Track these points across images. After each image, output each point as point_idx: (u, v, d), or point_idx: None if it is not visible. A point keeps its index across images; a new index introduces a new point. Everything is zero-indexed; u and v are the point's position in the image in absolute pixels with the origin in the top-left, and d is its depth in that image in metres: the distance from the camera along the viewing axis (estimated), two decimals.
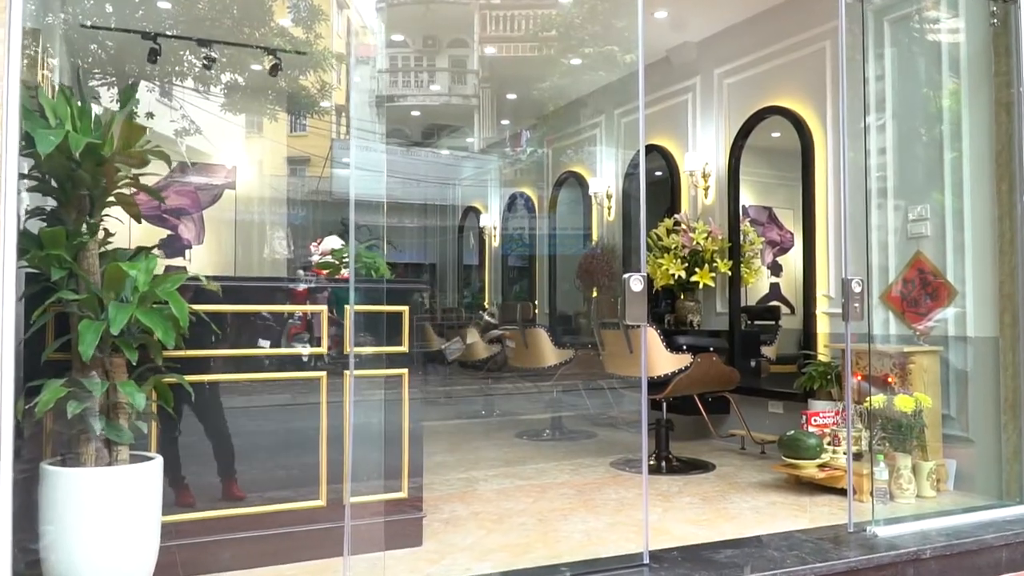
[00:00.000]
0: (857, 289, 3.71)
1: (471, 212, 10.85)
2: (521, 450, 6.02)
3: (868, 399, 4.46)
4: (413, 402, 3.55)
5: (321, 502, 3.35)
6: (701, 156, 6.51)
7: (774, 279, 6.41)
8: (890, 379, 4.69)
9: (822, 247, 5.47)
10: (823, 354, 5.29)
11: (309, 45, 11.15)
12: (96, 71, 9.61)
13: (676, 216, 6.36)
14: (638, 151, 7.26)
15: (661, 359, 5.02)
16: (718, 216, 6.40)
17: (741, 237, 6.26)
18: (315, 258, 4.22)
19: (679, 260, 6.14)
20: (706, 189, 6.50)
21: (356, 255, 3.87)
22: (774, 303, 6.35)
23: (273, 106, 8.35)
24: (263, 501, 3.31)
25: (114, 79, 9.41)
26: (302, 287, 3.87)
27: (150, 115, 9.31)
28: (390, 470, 3.50)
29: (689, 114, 6.72)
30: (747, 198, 6.50)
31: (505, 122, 9.32)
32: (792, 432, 4.55)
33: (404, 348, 3.51)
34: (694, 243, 6.10)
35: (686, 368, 5.06)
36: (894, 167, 5.01)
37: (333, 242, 4.27)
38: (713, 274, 6.13)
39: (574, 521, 3.96)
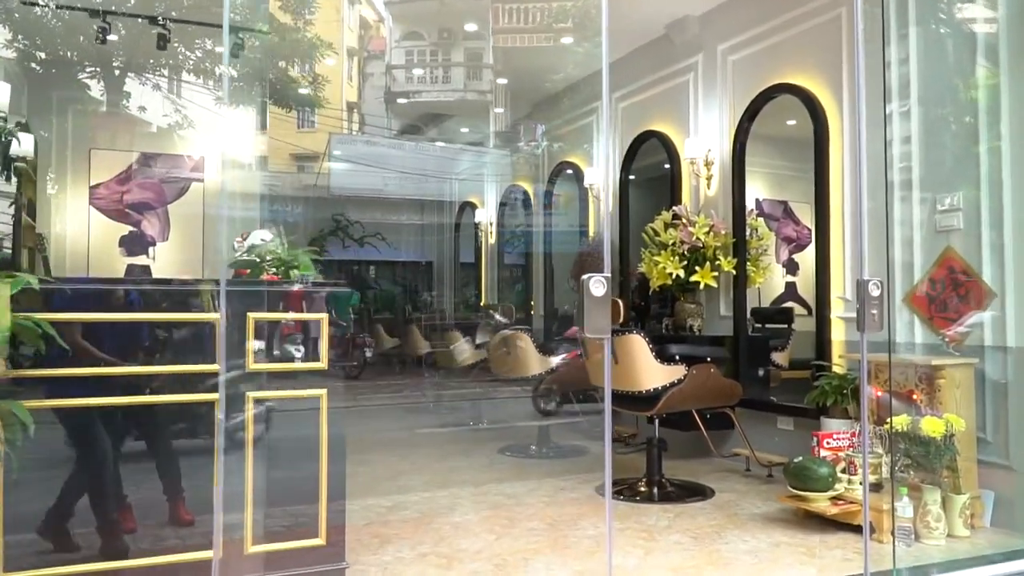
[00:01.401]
0: (875, 292, 3.06)
1: (467, 208, 10.24)
2: (500, 469, 5.40)
3: (889, 420, 3.80)
4: (335, 428, 2.95)
5: (217, 553, 2.75)
6: (703, 142, 5.85)
7: (790, 278, 5.75)
8: (915, 396, 4.02)
9: (837, 244, 4.80)
10: (838, 365, 4.63)
11: (296, 31, 10.62)
12: (86, 63, 9.12)
13: (675, 208, 5.71)
14: (630, 142, 6.63)
15: (650, 371, 4.38)
16: (722, 208, 5.74)
17: (748, 232, 5.60)
18: (240, 254, 3.62)
19: (677, 258, 5.49)
20: (709, 179, 5.85)
21: (270, 251, 3.26)
22: (788, 304, 5.69)
23: (243, 90, 7.78)
24: (145, 551, 2.72)
25: (98, 70, 8.92)
26: (297, 287, 3.32)
27: (142, 108, 8.83)
28: (306, 513, 2.89)
29: (690, 96, 6.06)
30: (761, 191, 5.87)
31: (499, 110, 8.70)
32: (800, 459, 3.90)
33: (320, 364, 2.90)
34: (694, 238, 5.45)
35: (679, 381, 4.42)
36: (919, 156, 4.36)
37: (261, 236, 3.66)
38: (716, 273, 5.48)
39: (536, 568, 3.34)
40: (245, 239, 3.68)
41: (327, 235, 11.25)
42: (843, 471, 4.07)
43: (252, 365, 2.75)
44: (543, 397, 6.41)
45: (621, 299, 6.74)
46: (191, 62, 7.49)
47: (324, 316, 2.92)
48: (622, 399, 4.63)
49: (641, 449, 4.79)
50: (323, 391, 2.89)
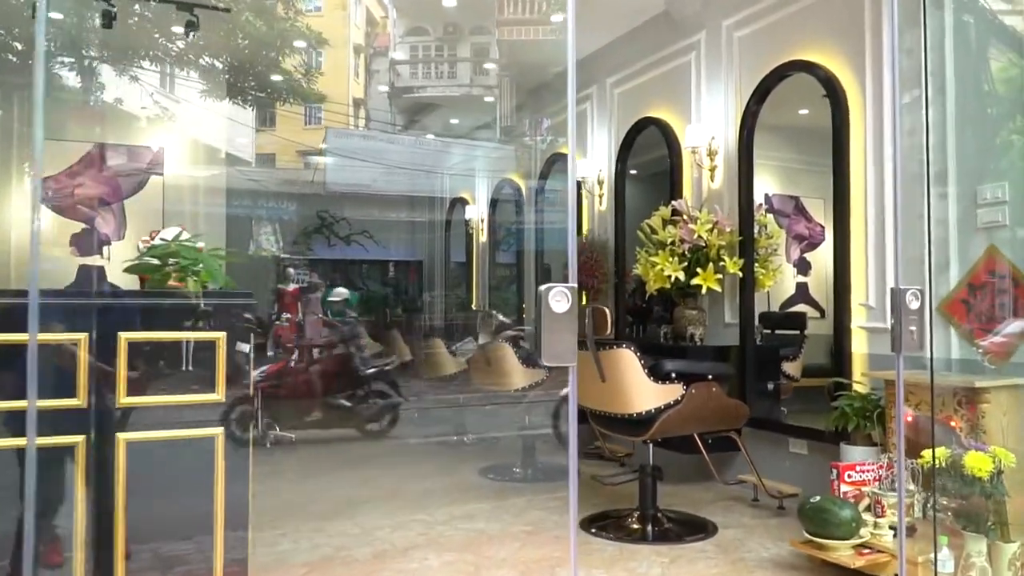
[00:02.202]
0: (913, 304, 2.45)
1: (459, 204, 9.64)
2: (476, 496, 4.80)
3: (924, 455, 3.19)
4: (236, 485, 2.35)
5: None
6: (706, 129, 5.24)
7: (802, 278, 5.15)
8: (954, 423, 3.41)
9: (859, 245, 4.19)
10: (860, 383, 4.01)
11: (286, 20, 10.05)
12: (63, 54, 8.57)
13: (674, 203, 5.10)
14: (634, 125, 6.01)
15: (642, 391, 3.78)
16: (727, 203, 5.13)
17: (756, 230, 4.99)
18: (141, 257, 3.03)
19: (677, 258, 4.88)
20: (712, 170, 5.23)
21: (172, 253, 2.67)
22: (800, 308, 5.09)
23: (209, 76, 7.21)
24: None
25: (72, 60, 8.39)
26: (292, 287, 2.71)
27: (119, 101, 8.28)
28: None
29: (692, 78, 5.44)
30: (770, 186, 5.26)
31: (489, 99, 8.09)
32: (818, 499, 3.29)
33: (217, 396, 2.31)
34: (695, 237, 4.83)
35: (676, 402, 3.81)
36: (954, 144, 3.74)
37: (170, 232, 3.07)
38: (720, 276, 4.86)
39: None
40: (153, 238, 3.09)
41: (311, 233, 10.68)
42: (867, 509, 3.46)
43: (123, 399, 2.16)
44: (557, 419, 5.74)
45: (616, 305, 6.14)
46: (150, 44, 6.91)
47: (221, 336, 2.32)
48: (610, 422, 4.03)
49: (633, 477, 4.19)
50: (217, 431, 2.29)
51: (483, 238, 9.02)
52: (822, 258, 4.93)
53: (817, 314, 4.98)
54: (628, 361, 3.76)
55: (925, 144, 3.56)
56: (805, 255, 5.18)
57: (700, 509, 4.47)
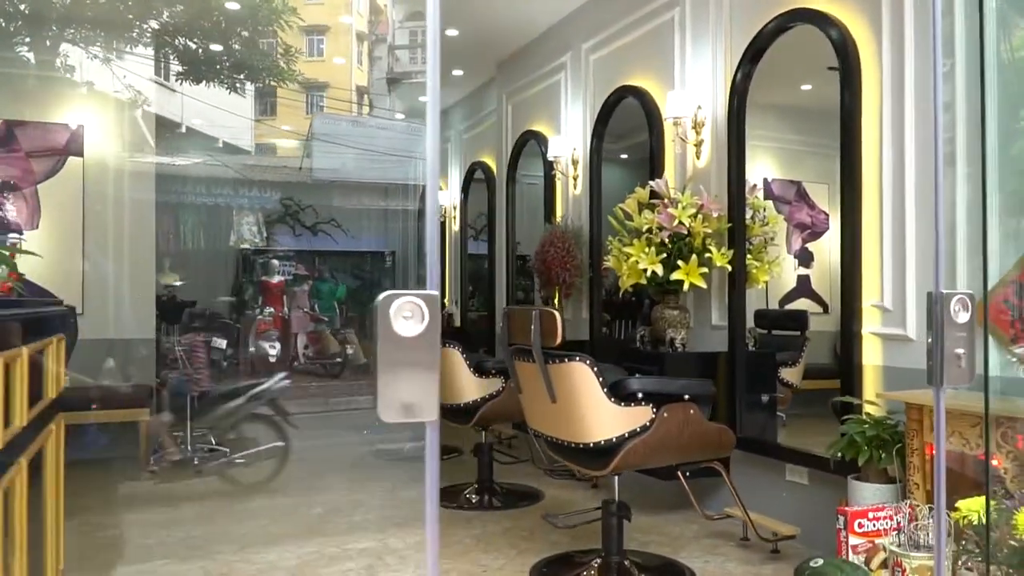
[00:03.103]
0: (962, 317, 1.68)
1: None
2: (410, 529, 4.04)
3: (960, 507, 2.43)
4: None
5: None
6: (691, 97, 4.46)
7: (803, 270, 4.40)
8: (996, 461, 2.64)
9: (872, 237, 3.41)
10: (874, 404, 3.24)
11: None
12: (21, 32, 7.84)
13: (652, 184, 4.32)
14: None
15: (600, 415, 3.01)
16: (714, 184, 4.36)
17: (749, 215, 4.22)
18: None
19: (654, 249, 4.11)
20: (698, 146, 4.46)
21: None
22: (802, 303, 4.36)
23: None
24: None
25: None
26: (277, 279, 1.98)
27: (90, 83, 7.54)
28: None
29: (676, 39, 4.66)
30: (770, 170, 4.51)
31: (457, 72, 7.31)
32: (820, 564, 2.54)
33: None
34: (676, 223, 4.06)
35: (643, 429, 3.05)
36: (995, 119, 2.98)
37: None
38: (705, 270, 4.10)
39: None
40: None
41: (275, 222, 9.92)
42: (882, 565, 2.71)
43: None
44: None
45: (591, 302, 5.37)
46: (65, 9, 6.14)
47: (22, 352, 1.57)
48: (564, 451, 3.27)
49: (596, 515, 3.43)
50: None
51: (455, 227, 8.25)
52: (826, 248, 4.21)
53: (820, 309, 4.26)
54: (582, 378, 2.99)
55: (981, 119, 2.80)
56: (807, 245, 4.44)
57: (678, 550, 3.71)
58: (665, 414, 3.07)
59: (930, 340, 1.71)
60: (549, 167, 5.92)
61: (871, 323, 3.39)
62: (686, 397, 3.11)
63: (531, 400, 3.34)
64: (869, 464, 3.05)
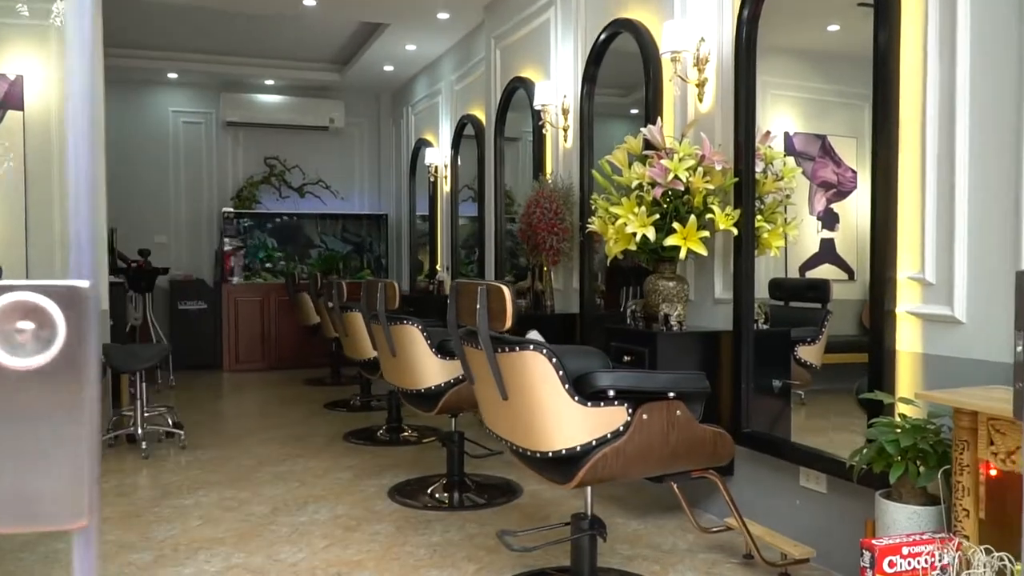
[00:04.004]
0: None
1: (423, 146, 8.20)
2: (351, 543, 3.45)
3: None
4: None
5: None
6: (693, 28, 3.76)
7: (827, 233, 3.75)
8: None
9: (912, 197, 2.73)
10: (911, 403, 2.58)
11: None
12: None
13: (645, 131, 3.64)
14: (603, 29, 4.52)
15: (561, 417, 2.38)
16: (719, 132, 3.68)
17: (761, 169, 3.55)
18: None
19: (645, 209, 3.44)
20: (701, 86, 3.77)
21: None
22: (823, 271, 3.72)
23: None
24: None
25: None
26: None
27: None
28: None
29: None
30: (792, 123, 3.85)
31: (443, 15, 6.60)
32: None
33: None
34: (671, 178, 3.38)
35: (616, 435, 2.42)
36: None
37: None
38: (706, 233, 3.43)
39: None
40: None
41: (259, 183, 9.29)
42: None
43: None
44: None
45: (582, 270, 4.73)
46: None
47: None
48: (523, 458, 2.65)
49: (564, 532, 2.82)
50: None
51: (446, 188, 7.59)
52: (853, 210, 3.56)
53: (845, 276, 3.62)
54: (538, 371, 2.36)
55: None
56: (832, 206, 3.78)
57: (668, 569, 3.10)
58: (644, 416, 2.43)
59: (1020, 347, 1.05)
60: (537, 118, 5.23)
61: (908, 299, 2.71)
62: (671, 395, 2.47)
63: (484, 395, 2.71)
64: (903, 480, 2.41)
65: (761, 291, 3.61)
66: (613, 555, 3.27)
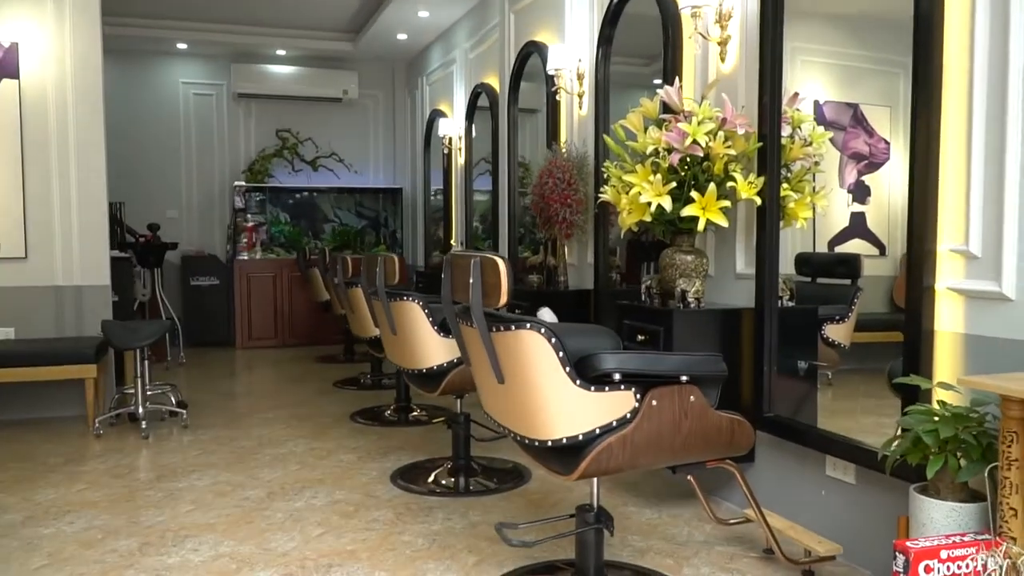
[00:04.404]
0: None
1: (438, 118, 7.96)
2: (346, 531, 3.26)
3: None
4: None
5: None
6: None
7: (858, 207, 3.50)
8: None
9: (957, 163, 2.46)
10: (952, 389, 2.32)
11: None
12: None
13: (661, 92, 3.37)
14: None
15: (562, 404, 2.16)
16: (743, 94, 3.42)
17: (787, 133, 3.29)
18: None
19: (661, 176, 3.19)
20: (724, 44, 3.50)
21: None
22: (853, 246, 3.48)
23: None
24: None
25: None
26: None
27: None
28: None
29: None
30: (822, 91, 3.58)
31: None
32: None
33: None
34: (689, 143, 3.13)
35: (623, 422, 2.19)
36: None
37: None
38: (727, 203, 3.17)
39: None
40: None
41: (271, 156, 9.10)
42: None
43: None
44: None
45: (596, 243, 4.49)
46: None
47: None
48: (522, 446, 2.44)
49: (569, 524, 2.60)
50: None
51: (461, 160, 7.35)
52: (885, 182, 3.31)
53: (876, 251, 3.37)
54: (536, 353, 2.14)
55: None
56: (864, 178, 3.52)
57: (682, 563, 2.89)
58: (654, 402, 2.20)
59: None
60: (550, 84, 4.97)
61: (950, 274, 2.46)
62: (684, 379, 2.23)
63: (481, 378, 2.49)
64: (943, 474, 2.17)
65: (787, 266, 3.36)
66: (624, 547, 3.06)
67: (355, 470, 4.11)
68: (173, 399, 5.41)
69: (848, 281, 3.55)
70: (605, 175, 3.49)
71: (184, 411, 5.17)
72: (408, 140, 9.34)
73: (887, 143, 3.35)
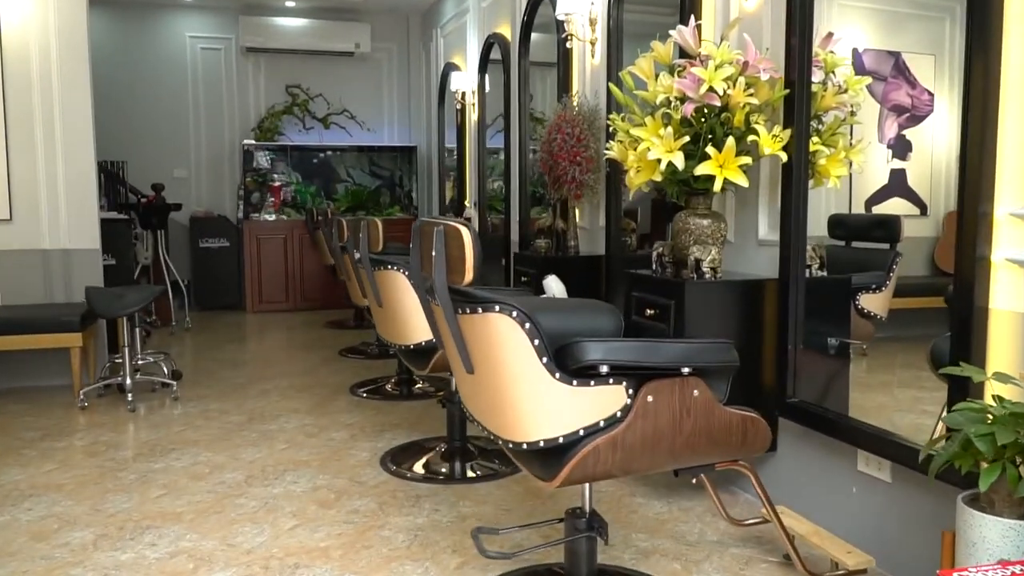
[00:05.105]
0: None
1: (451, 71, 7.55)
2: (320, 525, 2.97)
3: None
4: None
5: None
6: None
7: (898, 163, 3.12)
8: None
9: (1019, 115, 2.03)
10: (1012, 381, 1.94)
11: None
12: None
13: (674, 33, 2.95)
14: None
15: (539, 400, 1.82)
16: (768, 34, 3.00)
17: (818, 79, 2.88)
18: None
19: (673, 130, 2.79)
20: None
21: None
22: (892, 206, 3.12)
23: None
24: None
25: None
26: None
27: None
28: None
29: None
30: (860, 38, 3.18)
31: None
32: None
33: None
34: (704, 90, 2.72)
35: (612, 422, 1.84)
36: None
37: None
38: (747, 159, 2.77)
39: None
40: None
41: (281, 114, 8.76)
42: None
43: None
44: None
45: (608, 204, 4.12)
46: None
47: None
48: (503, 445, 2.10)
49: (559, 530, 2.27)
50: None
51: (474, 116, 6.96)
52: (927, 136, 2.92)
53: (916, 211, 2.99)
54: (504, 339, 1.79)
55: None
56: (904, 132, 3.12)
57: (691, 569, 2.55)
58: (649, 398, 1.85)
59: None
60: (560, 30, 4.55)
61: (1010, 242, 2.05)
62: (686, 371, 1.87)
63: (453, 365, 2.15)
64: (999, 485, 1.79)
65: (817, 230, 2.98)
66: (627, 547, 2.74)
67: (344, 450, 3.82)
68: (166, 369, 5.16)
69: (886, 245, 3.16)
70: (610, 128, 3.10)
71: (175, 383, 4.91)
72: (423, 96, 8.95)
73: (931, 94, 2.97)
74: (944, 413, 2.51)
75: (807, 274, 2.92)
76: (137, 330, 4.94)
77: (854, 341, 3.02)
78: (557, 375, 1.81)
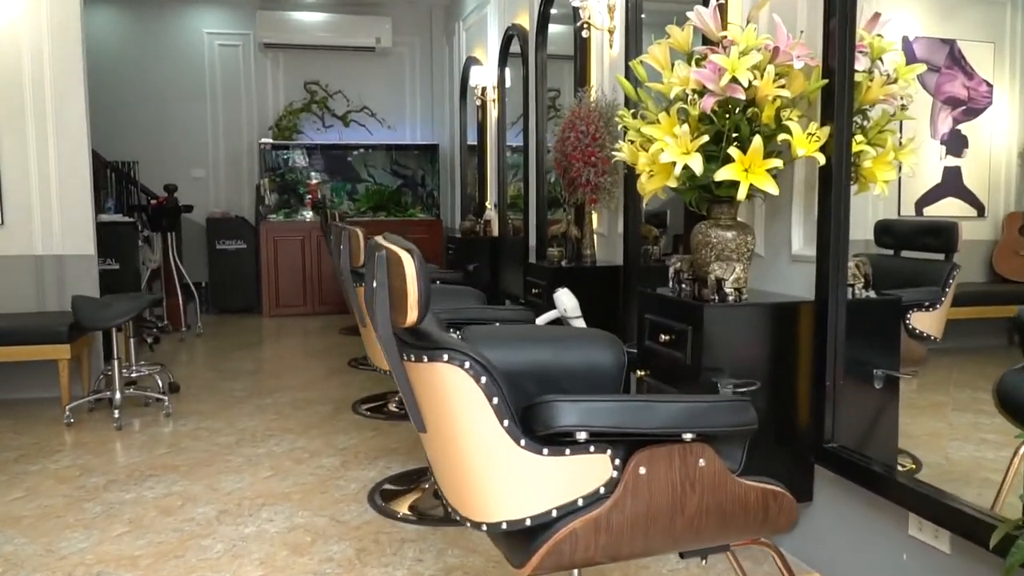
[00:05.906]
0: None
1: (472, 65, 7.19)
2: (302, 573, 2.63)
3: None
4: None
5: None
6: None
7: (953, 160, 2.74)
8: None
9: None
10: None
11: None
12: None
13: (692, 16, 2.54)
14: None
15: (501, 473, 1.44)
16: (803, 15, 2.59)
17: (863, 67, 2.47)
18: None
19: (690, 128, 2.39)
20: None
21: None
22: (946, 207, 2.75)
23: None
24: None
25: None
26: None
27: None
28: None
29: None
30: (911, 25, 2.81)
31: None
32: None
33: None
34: (725, 81, 2.31)
35: (593, 500, 1.45)
36: None
37: None
38: (778, 163, 2.36)
39: None
40: None
41: (299, 111, 8.47)
42: None
43: None
44: None
45: (626, 209, 3.73)
46: None
47: None
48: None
49: None
50: None
51: (494, 112, 6.59)
52: (985, 130, 2.57)
53: (973, 212, 2.60)
54: (453, 395, 1.41)
55: None
56: (959, 126, 2.72)
57: None
58: (641, 469, 1.46)
59: None
60: (576, 18, 4.15)
61: None
62: (688, 437, 1.48)
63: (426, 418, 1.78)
64: None
65: (861, 238, 2.58)
66: None
67: (332, 480, 3.48)
68: (160, 382, 4.88)
69: (942, 256, 2.74)
70: (620, 125, 2.70)
71: (167, 398, 4.62)
72: (446, 92, 8.60)
73: (989, 85, 2.57)
74: (1017, 462, 2.11)
75: (849, 295, 2.50)
76: (132, 340, 4.66)
77: (903, 374, 2.60)
78: (522, 442, 1.43)
